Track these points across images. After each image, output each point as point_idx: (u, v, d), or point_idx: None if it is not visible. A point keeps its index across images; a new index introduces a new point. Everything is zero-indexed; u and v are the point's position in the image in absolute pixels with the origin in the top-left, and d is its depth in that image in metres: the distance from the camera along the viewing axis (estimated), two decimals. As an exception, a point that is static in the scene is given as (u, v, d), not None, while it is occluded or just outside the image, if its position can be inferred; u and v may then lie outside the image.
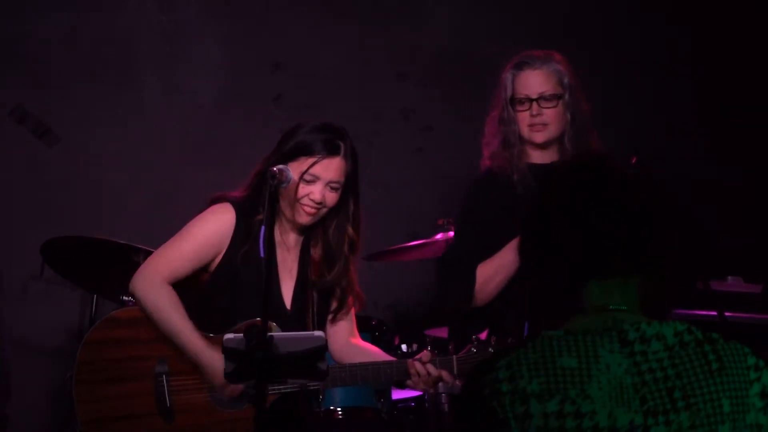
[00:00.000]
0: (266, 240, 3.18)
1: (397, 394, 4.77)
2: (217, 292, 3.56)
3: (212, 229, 3.55)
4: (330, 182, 3.50)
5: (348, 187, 3.57)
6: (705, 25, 6.02)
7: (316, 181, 3.48)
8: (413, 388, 3.52)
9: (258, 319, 3.42)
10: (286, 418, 3.55)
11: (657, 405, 1.94)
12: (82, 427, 3.51)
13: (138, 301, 3.53)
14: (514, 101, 3.78)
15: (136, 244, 4.50)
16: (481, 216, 3.82)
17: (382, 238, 5.32)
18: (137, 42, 5.61)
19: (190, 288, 3.59)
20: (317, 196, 3.48)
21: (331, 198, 3.52)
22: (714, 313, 4.23)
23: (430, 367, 3.40)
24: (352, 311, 3.71)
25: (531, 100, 3.74)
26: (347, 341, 3.66)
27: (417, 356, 3.46)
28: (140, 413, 3.49)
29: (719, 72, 6.01)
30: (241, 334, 2.89)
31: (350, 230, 3.61)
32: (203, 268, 3.58)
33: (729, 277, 4.95)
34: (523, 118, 3.76)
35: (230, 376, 2.96)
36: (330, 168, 3.50)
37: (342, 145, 3.52)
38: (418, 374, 3.40)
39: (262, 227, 3.50)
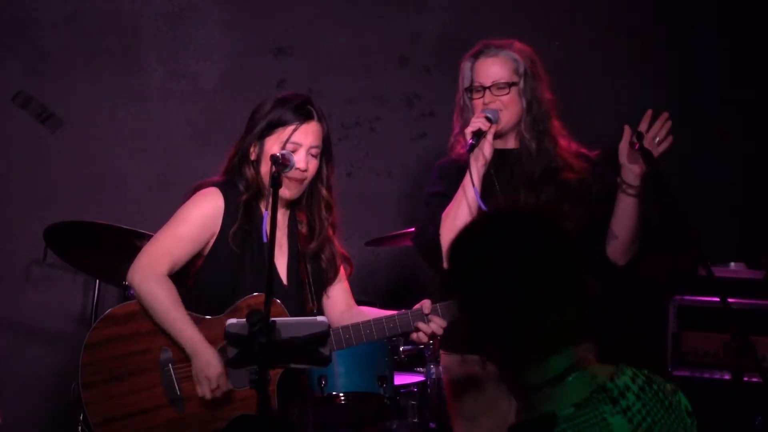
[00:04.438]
0: (269, 224, 3.20)
1: (400, 380, 4.78)
2: (213, 274, 3.56)
3: (204, 211, 3.56)
4: (310, 148, 3.54)
5: (323, 151, 3.61)
6: (704, 12, 6.02)
7: (297, 149, 3.53)
8: (418, 341, 3.54)
9: (256, 294, 3.46)
10: (293, 399, 3.57)
11: None
12: (94, 429, 3.49)
13: (136, 293, 3.53)
14: (471, 90, 3.80)
15: (139, 229, 4.53)
16: (441, 201, 3.82)
17: (384, 224, 5.33)
18: (140, 26, 5.60)
19: (185, 274, 3.60)
20: (302, 164, 3.52)
21: (314, 165, 3.57)
22: (717, 299, 4.24)
23: (434, 317, 3.46)
24: (345, 278, 3.75)
25: (485, 88, 3.76)
26: (345, 308, 3.71)
27: (417, 305, 3.50)
28: (151, 406, 3.49)
29: (719, 63, 6.01)
30: (244, 319, 2.87)
31: (324, 191, 3.65)
32: (197, 253, 3.59)
33: (732, 264, 4.98)
34: (478, 105, 3.77)
35: (233, 361, 2.96)
36: (309, 133, 3.55)
37: (313, 109, 3.59)
38: (423, 332, 3.47)
39: (265, 212, 3.52)
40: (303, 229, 3.66)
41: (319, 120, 3.58)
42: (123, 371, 3.50)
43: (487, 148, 3.66)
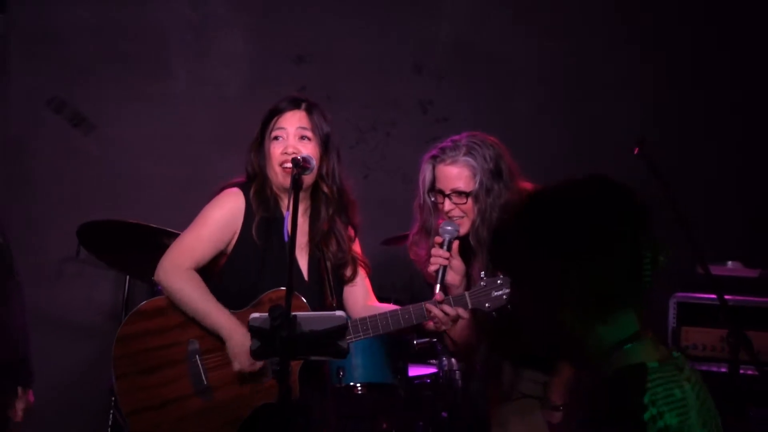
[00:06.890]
0: (290, 224, 3.28)
1: (414, 371, 4.85)
2: (237, 270, 3.64)
3: (225, 211, 3.64)
4: (297, 131, 3.62)
5: (322, 145, 3.65)
6: (703, 13, 6.02)
7: (284, 133, 3.62)
8: (432, 330, 3.62)
9: (281, 288, 3.53)
10: (314, 390, 3.67)
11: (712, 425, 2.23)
12: (127, 418, 3.58)
13: (164, 290, 3.60)
14: (432, 192, 3.80)
15: (167, 228, 4.58)
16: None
17: (399, 224, 5.46)
18: (167, 35, 5.65)
19: (210, 272, 3.67)
20: (290, 149, 3.59)
21: (305, 147, 3.61)
22: (714, 296, 4.34)
23: (446, 307, 3.55)
24: (365, 275, 3.82)
25: (444, 195, 3.75)
26: (365, 304, 3.77)
27: (432, 299, 3.60)
28: (179, 396, 3.56)
29: (718, 63, 6.00)
30: (266, 314, 2.96)
31: (324, 188, 3.68)
32: (221, 252, 3.67)
33: (729, 262, 5.02)
34: (440, 209, 3.78)
35: (256, 354, 3.05)
36: (294, 118, 3.63)
37: (303, 102, 3.67)
38: (436, 315, 3.56)
39: (286, 214, 3.63)
40: (324, 226, 3.76)
41: (308, 110, 3.65)
42: (153, 363, 3.59)
43: (456, 265, 3.69)
